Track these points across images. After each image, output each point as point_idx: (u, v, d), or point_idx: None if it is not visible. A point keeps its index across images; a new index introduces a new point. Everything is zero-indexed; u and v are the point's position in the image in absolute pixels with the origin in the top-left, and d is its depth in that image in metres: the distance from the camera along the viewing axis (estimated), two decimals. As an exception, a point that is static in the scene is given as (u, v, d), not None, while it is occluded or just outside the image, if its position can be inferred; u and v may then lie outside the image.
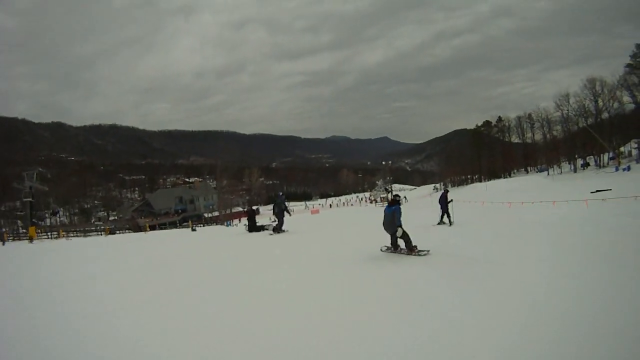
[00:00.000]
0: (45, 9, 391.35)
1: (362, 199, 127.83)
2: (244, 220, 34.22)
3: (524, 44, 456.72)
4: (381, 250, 12.90)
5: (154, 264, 15.36)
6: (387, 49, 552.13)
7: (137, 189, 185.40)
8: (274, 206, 23.42)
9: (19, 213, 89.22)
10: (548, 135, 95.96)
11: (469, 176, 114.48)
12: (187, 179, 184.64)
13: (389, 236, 12.52)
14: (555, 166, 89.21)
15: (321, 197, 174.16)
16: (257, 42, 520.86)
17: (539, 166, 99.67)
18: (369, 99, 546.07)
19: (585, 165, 77.87)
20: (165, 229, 74.37)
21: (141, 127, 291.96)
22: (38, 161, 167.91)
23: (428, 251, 11.89)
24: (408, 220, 13.38)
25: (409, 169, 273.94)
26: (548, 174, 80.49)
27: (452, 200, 21.14)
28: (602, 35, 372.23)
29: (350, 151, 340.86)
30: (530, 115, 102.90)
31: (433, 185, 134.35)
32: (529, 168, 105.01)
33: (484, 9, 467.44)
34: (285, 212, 22.80)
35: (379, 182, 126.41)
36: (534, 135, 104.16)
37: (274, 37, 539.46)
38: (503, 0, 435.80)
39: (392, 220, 11.97)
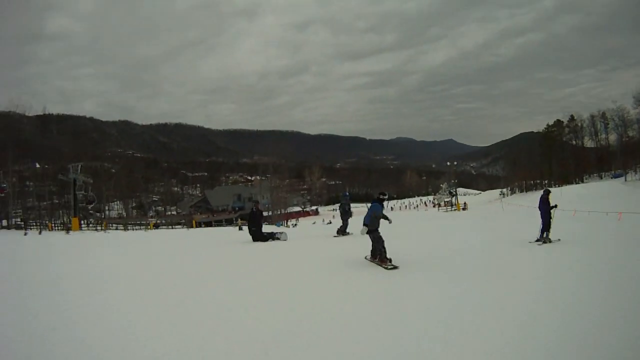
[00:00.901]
0: (109, 12, 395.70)
1: (425, 203, 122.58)
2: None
3: (589, 42, 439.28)
4: (365, 258, 12.00)
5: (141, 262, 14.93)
6: (451, 49, 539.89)
7: (198, 185, 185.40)
8: (339, 206, 21.40)
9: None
10: (624, 137, 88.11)
11: (537, 181, 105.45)
12: (249, 177, 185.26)
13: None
14: (631, 171, 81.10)
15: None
16: (319, 43, 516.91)
17: (614, 171, 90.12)
18: (434, 100, 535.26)
19: None
20: (221, 225, 71.99)
21: (206, 126, 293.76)
22: (104, 157, 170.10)
23: (396, 267, 10.73)
24: (489, 233, 15.40)
25: (474, 173, 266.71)
26: (625, 180, 73.14)
27: (555, 206, 15.24)
28: None
29: (415, 153, 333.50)
30: (604, 114, 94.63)
31: (500, 190, 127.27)
32: (603, 173, 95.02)
33: (547, 5, 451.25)
34: (348, 213, 20.64)
35: (443, 185, 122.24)
36: (608, 137, 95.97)
37: (336, 37, 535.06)
38: None
39: (374, 218, 11.31)
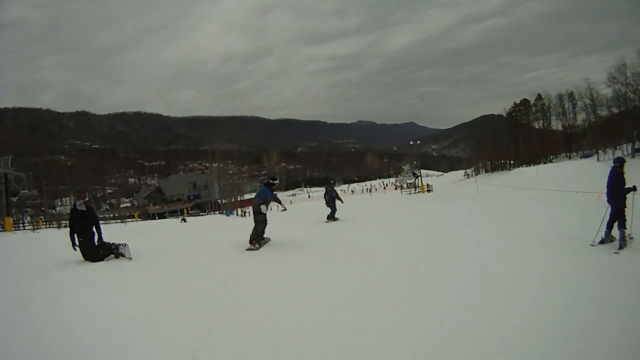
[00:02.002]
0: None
1: (386, 185, 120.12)
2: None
3: (552, 28, 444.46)
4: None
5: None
6: (414, 33, 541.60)
7: (156, 175, 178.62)
8: (324, 194, 21.06)
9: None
10: (592, 117, 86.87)
11: (503, 162, 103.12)
12: (207, 165, 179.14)
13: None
14: (600, 151, 79.67)
15: (344, 183, 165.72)
16: (282, 26, 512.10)
17: (582, 151, 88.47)
18: (396, 84, 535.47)
19: (637, 151, 67.42)
20: (175, 216, 68.65)
21: (165, 113, 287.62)
22: (61, 150, 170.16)
23: (258, 248, 11.66)
24: (491, 226, 12.74)
25: (435, 155, 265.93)
26: (598, 159, 71.20)
27: (634, 189, 10.02)
28: (634, 19, 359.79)
29: (376, 136, 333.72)
30: (572, 93, 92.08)
31: (464, 171, 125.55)
32: (572, 153, 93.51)
33: None
34: (336, 200, 20.70)
35: (405, 167, 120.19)
36: (575, 117, 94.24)
37: (299, 21, 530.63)
38: None
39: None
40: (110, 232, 19.15)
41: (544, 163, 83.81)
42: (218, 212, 64.79)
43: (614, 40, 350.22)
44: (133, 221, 56.17)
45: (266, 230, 12.35)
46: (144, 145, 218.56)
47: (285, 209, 13.49)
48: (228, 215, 54.08)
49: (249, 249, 11.68)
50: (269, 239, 12.54)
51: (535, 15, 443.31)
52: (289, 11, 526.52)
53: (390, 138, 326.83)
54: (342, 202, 21.01)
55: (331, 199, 20.47)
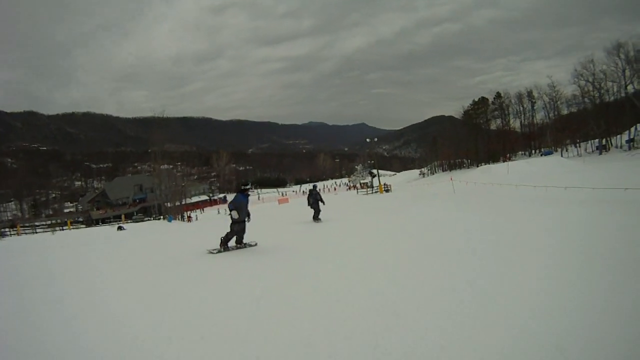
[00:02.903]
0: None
1: (339, 185, 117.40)
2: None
3: (505, 34, 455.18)
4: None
5: None
6: (368, 36, 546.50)
7: (103, 178, 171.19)
8: (308, 197, 21.58)
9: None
10: (551, 115, 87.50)
11: (460, 160, 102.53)
12: (154, 167, 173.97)
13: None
14: (561, 149, 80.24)
15: (296, 184, 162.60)
16: (237, 26, 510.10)
17: (542, 149, 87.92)
18: (348, 86, 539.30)
19: (603, 148, 67.27)
20: (119, 221, 64.23)
21: (115, 114, 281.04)
22: (7, 152, 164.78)
23: (221, 251, 11.80)
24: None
25: (387, 155, 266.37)
26: (562, 156, 69.64)
27: None
28: (586, 27, 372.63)
29: (327, 137, 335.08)
30: (531, 92, 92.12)
31: (419, 170, 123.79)
32: (532, 151, 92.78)
33: None
34: (320, 202, 21.40)
35: (359, 167, 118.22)
36: (534, 115, 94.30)
37: (254, 21, 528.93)
38: None
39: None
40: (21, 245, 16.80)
41: (503, 161, 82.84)
42: (161, 217, 60.46)
43: (566, 47, 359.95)
44: (65, 229, 51.69)
45: (245, 237, 12.26)
46: (93, 147, 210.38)
47: (245, 220, 12.13)
48: (169, 221, 49.97)
49: (210, 252, 11.73)
50: (247, 245, 12.28)
51: (488, 21, 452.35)
52: (244, 11, 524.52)
53: (341, 139, 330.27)
54: (324, 203, 21.54)
55: (315, 201, 21.16)
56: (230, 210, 11.65)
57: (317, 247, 12.33)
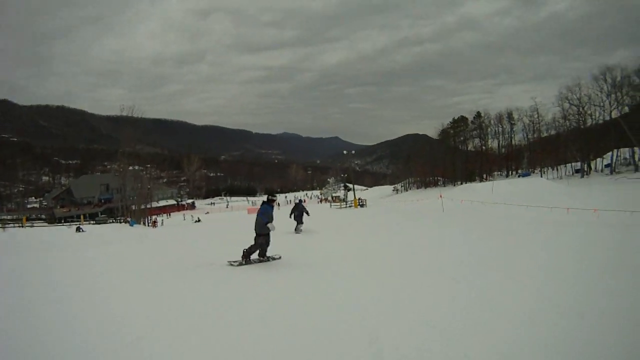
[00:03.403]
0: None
1: (310, 197, 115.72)
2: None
3: (484, 57, 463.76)
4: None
5: None
6: (349, 51, 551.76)
7: (71, 175, 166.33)
8: (293, 209, 22.48)
9: None
10: (531, 136, 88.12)
11: (436, 178, 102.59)
12: (122, 167, 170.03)
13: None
14: (540, 171, 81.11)
15: (266, 193, 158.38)
16: (220, 32, 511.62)
17: (521, 170, 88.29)
18: (326, 99, 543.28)
19: (584, 171, 67.99)
20: (92, 220, 61.80)
21: (90, 111, 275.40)
22: None
23: (242, 264, 11.11)
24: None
25: (359, 170, 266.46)
26: (542, 177, 69.37)
27: None
28: (560, 55, 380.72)
29: (300, 149, 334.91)
30: (511, 113, 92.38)
31: (393, 186, 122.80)
32: (511, 172, 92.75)
33: (450, 20, 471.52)
34: (305, 214, 22.38)
35: (331, 180, 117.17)
36: (513, 137, 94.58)
37: (238, 28, 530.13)
38: (471, 13, 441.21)
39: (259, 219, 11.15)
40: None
41: (480, 181, 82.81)
42: (124, 220, 57.77)
43: (540, 74, 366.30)
44: (19, 227, 49.06)
45: (269, 250, 11.64)
46: (65, 142, 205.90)
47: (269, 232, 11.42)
48: (132, 225, 47.48)
49: (231, 264, 11.09)
50: (270, 259, 11.65)
51: (468, 45, 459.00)
52: (229, 17, 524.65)
53: (314, 151, 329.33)
54: (309, 215, 22.54)
55: (300, 214, 21.99)
56: (266, 224, 11.02)
57: (325, 259, 12.00)
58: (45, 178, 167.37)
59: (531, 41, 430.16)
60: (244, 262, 11.05)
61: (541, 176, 73.46)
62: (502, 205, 25.87)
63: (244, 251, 11.13)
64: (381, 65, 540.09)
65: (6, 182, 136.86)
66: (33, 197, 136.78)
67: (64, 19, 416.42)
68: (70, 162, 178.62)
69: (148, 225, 54.00)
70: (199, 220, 57.91)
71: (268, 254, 11.59)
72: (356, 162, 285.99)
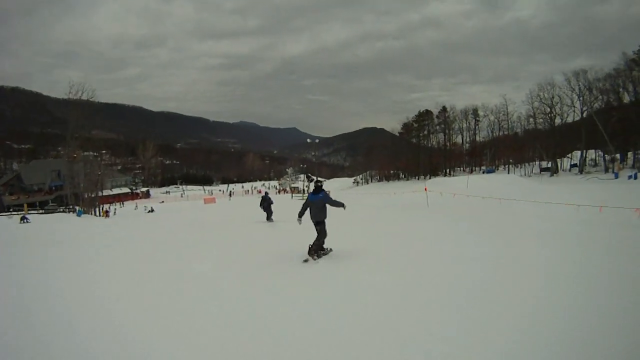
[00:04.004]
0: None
1: (268, 187, 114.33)
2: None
3: (446, 56, 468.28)
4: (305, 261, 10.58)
5: None
6: (311, 42, 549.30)
7: (24, 160, 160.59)
8: (262, 201, 24.28)
9: None
10: (497, 133, 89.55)
11: (397, 172, 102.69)
12: (75, 153, 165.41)
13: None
14: (507, 167, 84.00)
15: (223, 183, 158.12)
16: (182, 16, 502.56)
17: (485, 166, 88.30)
18: (284, 89, 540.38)
19: (553, 170, 69.93)
20: (36, 209, 58.96)
21: (45, 93, 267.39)
22: None
23: (331, 249, 11.28)
24: None
25: (315, 161, 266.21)
26: (508, 175, 70.30)
27: None
28: (521, 59, 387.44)
29: (257, 138, 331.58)
30: (476, 110, 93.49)
31: (353, 179, 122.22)
32: (474, 168, 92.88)
33: (414, 18, 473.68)
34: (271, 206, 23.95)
35: (289, 170, 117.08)
36: (477, 133, 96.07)
37: (199, 13, 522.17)
38: (435, 13, 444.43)
39: (321, 207, 10.98)
40: None
41: (444, 176, 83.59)
42: (70, 209, 55.14)
43: (500, 75, 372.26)
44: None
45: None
46: (18, 126, 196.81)
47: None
48: (79, 215, 45.36)
49: (306, 261, 10.56)
50: (331, 250, 11.42)
51: (431, 42, 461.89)
52: (192, 2, 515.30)
53: (271, 141, 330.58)
54: (272, 203, 24.33)
55: (268, 205, 23.89)
56: (341, 205, 11.07)
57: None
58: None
59: (493, 43, 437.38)
60: (316, 257, 10.70)
61: (508, 173, 75.43)
62: (493, 199, 25.62)
63: (310, 246, 10.84)
64: (343, 59, 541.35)
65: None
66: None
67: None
68: (24, 146, 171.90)
69: (99, 215, 52.33)
70: (152, 211, 56.36)
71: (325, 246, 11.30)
72: (313, 153, 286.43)
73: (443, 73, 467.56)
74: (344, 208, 11.06)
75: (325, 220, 10.95)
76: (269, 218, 23.57)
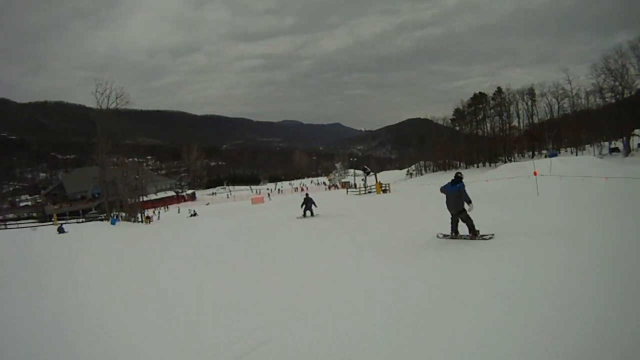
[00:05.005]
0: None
1: (317, 184, 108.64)
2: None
3: (485, 40, 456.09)
4: (438, 236, 12.25)
5: None
6: (348, 37, 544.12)
7: (69, 170, 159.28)
8: (304, 202, 25.32)
9: None
10: (561, 112, 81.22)
11: (453, 161, 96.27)
12: (125, 160, 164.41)
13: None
14: (576, 149, 73.12)
15: (271, 181, 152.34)
16: (216, 21, 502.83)
17: (546, 150, 78.49)
18: (324, 86, 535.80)
19: (625, 150, 60.24)
20: (78, 217, 53.27)
21: (88, 105, 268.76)
22: None
23: (492, 235, 11.18)
24: None
25: (361, 155, 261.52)
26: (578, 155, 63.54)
27: None
28: (562, 39, 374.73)
29: (302, 136, 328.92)
30: (532, 89, 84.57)
31: (406, 170, 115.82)
32: (535, 152, 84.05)
33: (450, 3, 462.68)
34: (313, 205, 25.26)
35: (338, 165, 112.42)
36: (536, 114, 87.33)
37: (234, 17, 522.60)
38: None
39: (458, 198, 11.49)
40: None
41: (504, 162, 75.21)
42: (105, 216, 49.60)
43: (542, 56, 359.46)
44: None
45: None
46: (63, 138, 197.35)
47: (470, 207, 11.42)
48: (113, 223, 39.53)
49: (482, 237, 11.20)
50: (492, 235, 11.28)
51: (469, 27, 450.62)
52: (224, 6, 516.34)
53: (316, 138, 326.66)
54: (316, 207, 25.52)
55: (310, 206, 25.11)
56: (469, 203, 11.24)
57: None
58: (42, 175, 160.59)
59: (532, 24, 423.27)
60: (488, 236, 11.20)
61: (576, 155, 65.39)
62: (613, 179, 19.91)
63: (473, 232, 11.31)
64: (380, 51, 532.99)
65: (3, 181, 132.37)
66: (27, 195, 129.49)
67: (55, 14, 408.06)
68: (68, 157, 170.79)
69: (140, 222, 46.60)
70: (194, 214, 50.43)
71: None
72: (358, 147, 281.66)
73: (484, 58, 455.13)
74: (471, 205, 11.19)
75: (471, 204, 11.18)
76: (312, 214, 25.23)
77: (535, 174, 23.13)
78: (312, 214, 24.93)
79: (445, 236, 11.94)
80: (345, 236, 15.24)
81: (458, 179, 11.52)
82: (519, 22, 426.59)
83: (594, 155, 61.18)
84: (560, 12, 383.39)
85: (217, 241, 18.15)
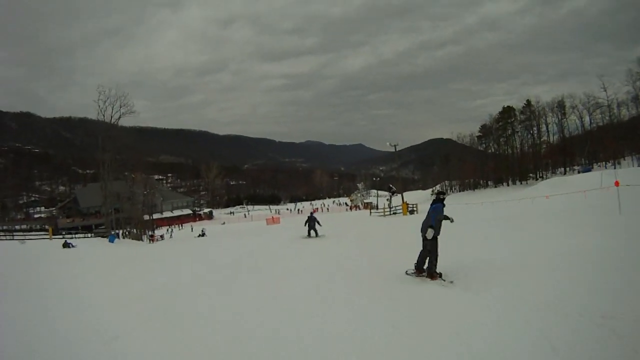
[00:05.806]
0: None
1: (338, 204, 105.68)
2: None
3: (505, 57, 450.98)
4: (406, 273, 10.02)
5: None
6: (370, 56, 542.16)
7: (88, 184, 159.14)
8: (308, 220, 25.55)
9: None
10: (594, 125, 77.44)
11: (480, 180, 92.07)
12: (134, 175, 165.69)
13: None
14: (613, 162, 66.85)
15: (291, 201, 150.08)
16: (241, 40, 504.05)
17: (581, 165, 74.85)
18: (348, 105, 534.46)
19: None
20: (91, 232, 53.15)
21: (113, 121, 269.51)
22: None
23: (452, 282, 8.80)
24: None
25: (383, 176, 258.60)
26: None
27: None
28: (582, 52, 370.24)
29: (324, 156, 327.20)
30: (562, 101, 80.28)
31: (431, 190, 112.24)
32: (567, 168, 79.56)
33: (470, 21, 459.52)
34: (316, 224, 25.31)
35: (360, 185, 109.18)
36: (567, 127, 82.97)
37: (259, 36, 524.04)
38: (490, 13, 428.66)
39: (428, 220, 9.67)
40: None
41: (535, 180, 71.16)
42: (103, 234, 46.42)
43: (564, 71, 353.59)
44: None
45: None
46: (86, 153, 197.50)
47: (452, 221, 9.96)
48: (111, 240, 36.03)
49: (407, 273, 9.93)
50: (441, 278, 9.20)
51: (490, 45, 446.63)
52: (250, 25, 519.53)
53: (338, 158, 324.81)
54: (320, 225, 25.55)
55: (313, 224, 25.19)
56: (428, 227, 9.29)
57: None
58: (62, 188, 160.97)
59: (552, 39, 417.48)
60: (416, 274, 9.68)
61: (614, 168, 60.65)
62: None
63: (416, 264, 9.77)
64: (402, 70, 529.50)
65: (20, 192, 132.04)
66: (43, 207, 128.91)
67: (84, 30, 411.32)
68: (88, 171, 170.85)
69: (144, 241, 43.28)
70: (203, 235, 46.85)
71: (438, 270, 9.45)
72: (381, 168, 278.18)
73: (504, 76, 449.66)
74: (429, 231, 9.24)
75: (430, 230, 9.28)
76: (316, 234, 25.04)
77: (617, 184, 18.70)
78: (316, 234, 25.02)
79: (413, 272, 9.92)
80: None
81: (439, 198, 9.85)
82: (539, 37, 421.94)
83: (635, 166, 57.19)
84: (581, 25, 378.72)
85: (193, 274, 14.29)
